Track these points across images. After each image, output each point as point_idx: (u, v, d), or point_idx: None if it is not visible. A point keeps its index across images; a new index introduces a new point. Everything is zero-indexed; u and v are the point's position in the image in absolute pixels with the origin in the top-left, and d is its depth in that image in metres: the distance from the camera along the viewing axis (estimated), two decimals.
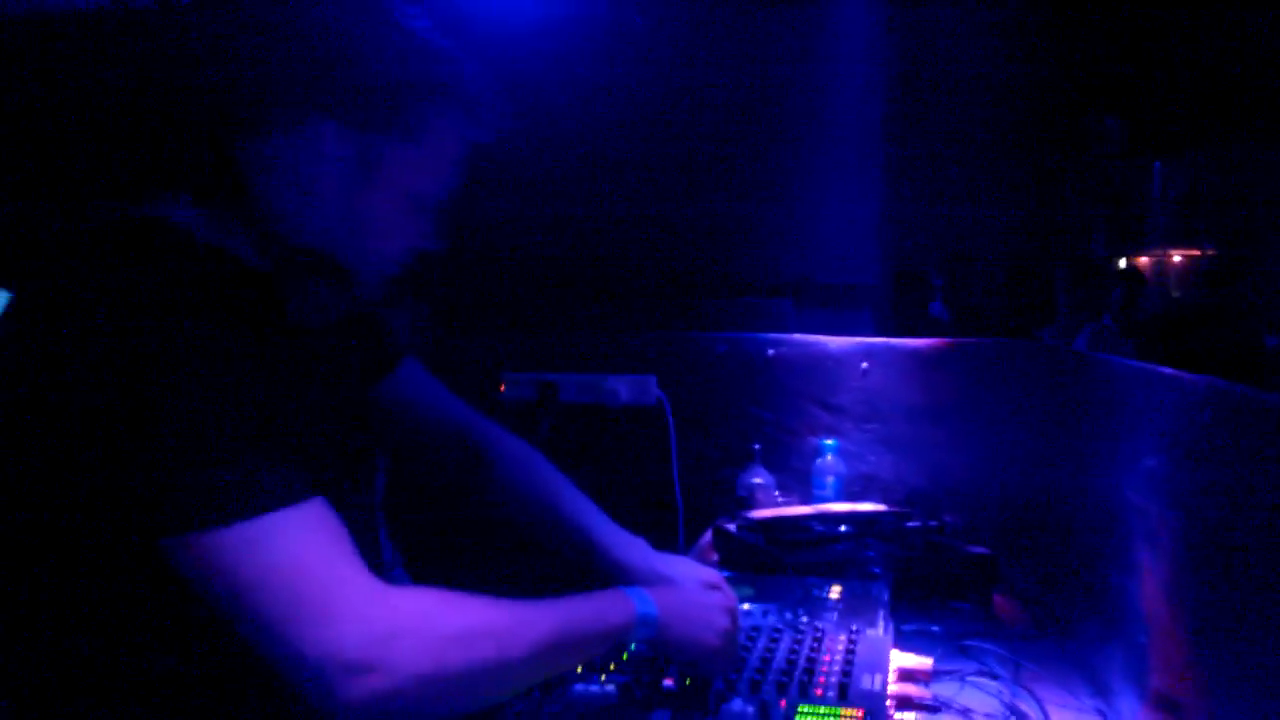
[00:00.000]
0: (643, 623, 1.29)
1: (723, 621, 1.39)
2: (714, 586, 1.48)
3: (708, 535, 2.43)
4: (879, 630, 1.64)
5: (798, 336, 2.72)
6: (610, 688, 1.38)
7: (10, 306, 1.10)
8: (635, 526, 1.85)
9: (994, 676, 1.63)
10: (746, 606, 1.73)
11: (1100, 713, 1.58)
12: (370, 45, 1.18)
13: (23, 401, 1.04)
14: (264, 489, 1.01)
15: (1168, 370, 1.49)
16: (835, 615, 1.72)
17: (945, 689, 1.56)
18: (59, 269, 1.09)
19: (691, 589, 1.44)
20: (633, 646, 1.51)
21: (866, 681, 1.40)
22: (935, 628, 1.88)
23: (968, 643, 1.77)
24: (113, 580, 1.08)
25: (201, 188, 1.20)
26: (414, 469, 1.62)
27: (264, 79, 1.18)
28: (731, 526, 2.27)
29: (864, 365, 2.64)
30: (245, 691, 1.13)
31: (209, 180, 1.20)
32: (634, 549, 1.56)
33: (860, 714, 1.30)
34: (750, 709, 1.31)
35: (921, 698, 1.48)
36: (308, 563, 1.01)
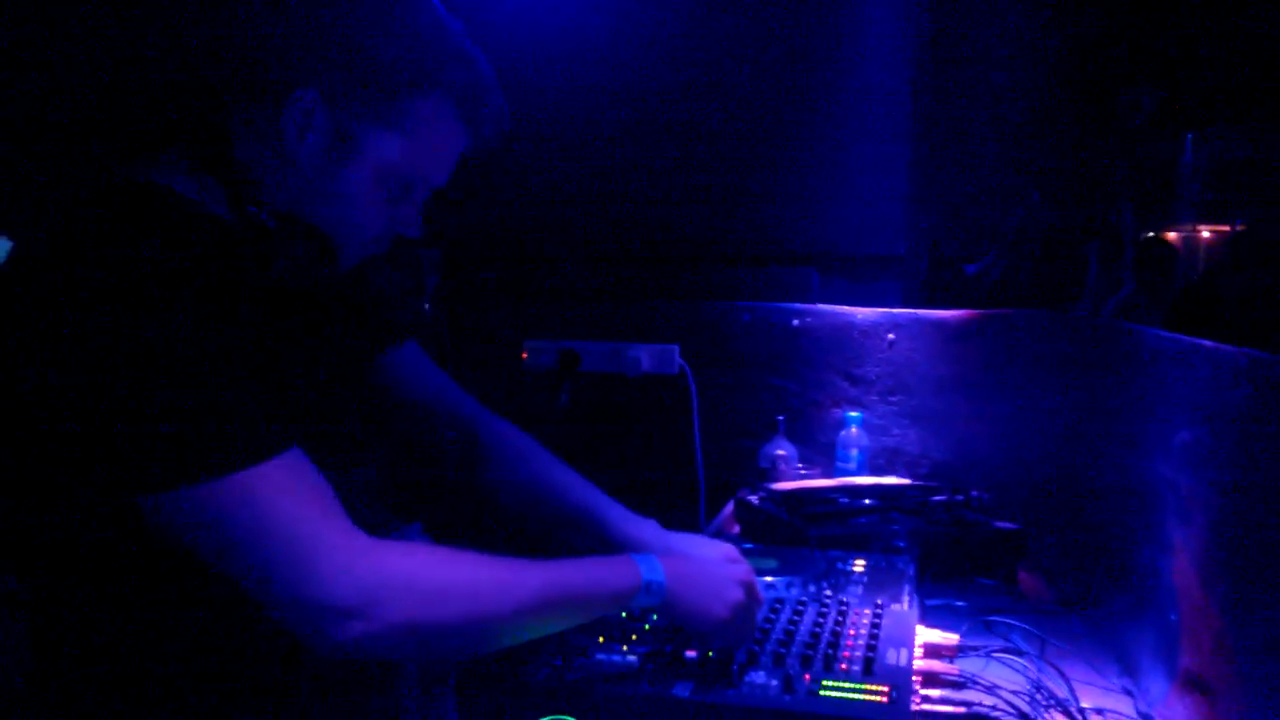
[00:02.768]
0: (647, 589, 1.29)
1: (734, 594, 1.37)
2: (732, 561, 1.47)
3: (729, 507, 2.41)
4: (904, 605, 1.62)
5: (823, 307, 2.68)
6: (632, 658, 1.37)
7: (5, 264, 1.11)
8: (656, 497, 1.84)
9: (1020, 653, 1.61)
10: (770, 579, 1.71)
11: (1128, 692, 1.56)
12: (366, 26, 1.19)
13: (11, 357, 1.05)
14: (247, 443, 1.03)
15: (1206, 342, 1.46)
16: (860, 589, 1.70)
17: (971, 665, 1.54)
18: (54, 229, 1.09)
19: (706, 560, 1.44)
20: (654, 617, 1.50)
21: (892, 657, 1.38)
22: (960, 603, 1.86)
23: (993, 619, 1.75)
24: (98, 535, 1.09)
25: (191, 150, 1.21)
26: (409, 450, 1.62)
27: (260, 45, 1.20)
28: (754, 498, 2.25)
29: (890, 336, 2.61)
30: (234, 635, 1.16)
31: (198, 143, 1.22)
32: (646, 526, 1.58)
33: (886, 690, 1.28)
34: (774, 682, 1.29)
35: (948, 674, 1.46)
36: (294, 514, 1.04)
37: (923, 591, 1.83)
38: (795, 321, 2.67)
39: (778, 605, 1.57)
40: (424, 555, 1.13)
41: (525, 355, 2.81)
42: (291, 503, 1.05)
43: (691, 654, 1.36)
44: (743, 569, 1.43)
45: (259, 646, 1.19)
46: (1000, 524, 2.07)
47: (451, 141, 1.28)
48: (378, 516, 1.26)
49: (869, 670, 1.33)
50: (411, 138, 1.23)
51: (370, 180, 1.23)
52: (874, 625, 1.50)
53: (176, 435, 1.01)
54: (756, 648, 1.39)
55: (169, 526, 1.03)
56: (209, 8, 1.24)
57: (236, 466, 1.02)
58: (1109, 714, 1.47)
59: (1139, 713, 1.48)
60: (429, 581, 1.10)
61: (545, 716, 1.22)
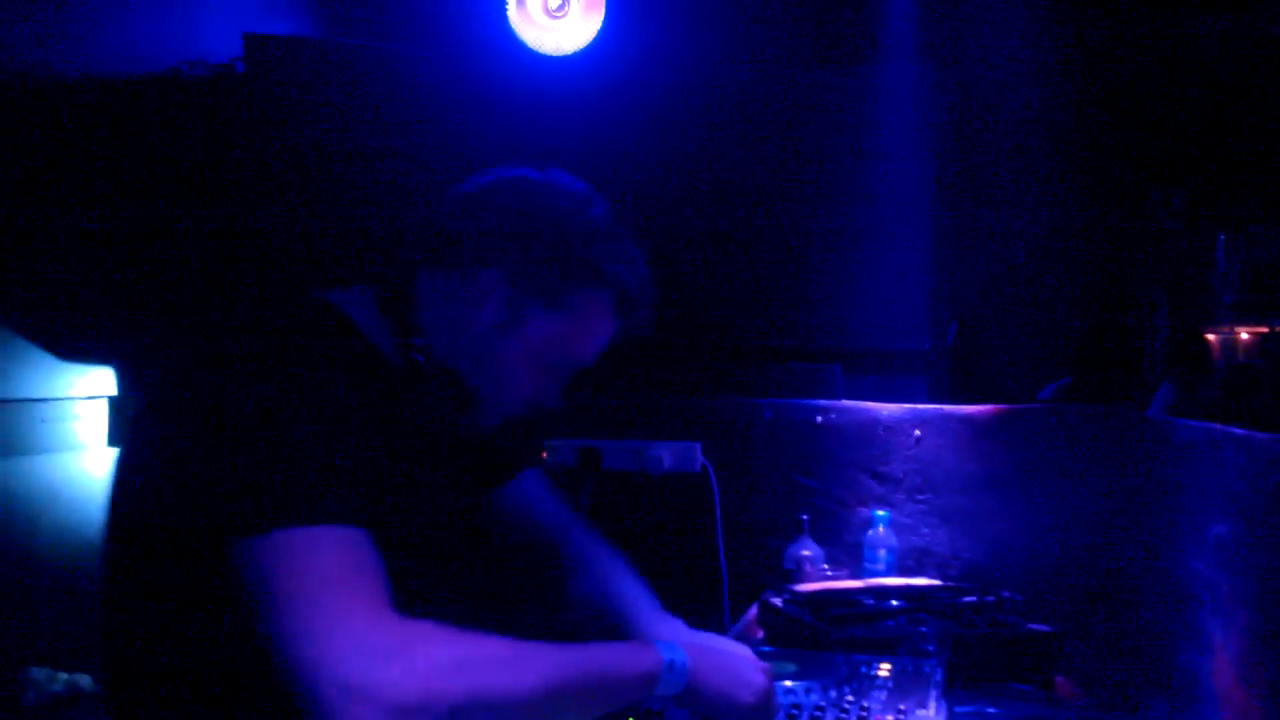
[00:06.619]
0: (670, 670, 1.28)
1: (759, 680, 1.38)
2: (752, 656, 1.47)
3: (753, 610, 2.34)
4: (930, 711, 1.55)
5: (847, 403, 2.64)
6: None
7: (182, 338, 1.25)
8: (679, 598, 1.78)
9: None
10: (788, 684, 1.64)
11: None
12: (552, 222, 1.35)
13: (167, 400, 1.20)
14: (305, 505, 1.08)
15: (1236, 430, 1.41)
16: (884, 694, 1.62)
17: None
18: (228, 311, 1.25)
19: (727, 649, 1.44)
20: (665, 715, 1.43)
21: None
22: (992, 709, 1.77)
23: None
24: (171, 573, 1.16)
25: (375, 290, 1.37)
26: (514, 569, 1.72)
27: (464, 228, 1.37)
28: (778, 600, 2.18)
29: (917, 433, 2.56)
30: (264, 697, 1.14)
31: (382, 286, 1.37)
32: (670, 624, 1.59)
33: None
34: None
35: None
36: (326, 581, 1.06)
37: (953, 698, 1.75)
38: (819, 418, 2.63)
39: (794, 711, 1.50)
40: (442, 630, 1.11)
41: (545, 454, 2.77)
42: (324, 571, 1.06)
43: None
44: (763, 664, 1.43)
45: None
46: (1034, 626, 1.99)
47: (606, 330, 1.42)
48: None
49: None
50: (572, 324, 1.37)
51: (527, 353, 1.36)
52: None
53: (255, 486, 1.07)
54: None
55: (237, 576, 1.08)
56: (429, 185, 1.44)
57: (283, 523, 1.06)
58: None
59: None
60: (442, 655, 1.08)
61: None
